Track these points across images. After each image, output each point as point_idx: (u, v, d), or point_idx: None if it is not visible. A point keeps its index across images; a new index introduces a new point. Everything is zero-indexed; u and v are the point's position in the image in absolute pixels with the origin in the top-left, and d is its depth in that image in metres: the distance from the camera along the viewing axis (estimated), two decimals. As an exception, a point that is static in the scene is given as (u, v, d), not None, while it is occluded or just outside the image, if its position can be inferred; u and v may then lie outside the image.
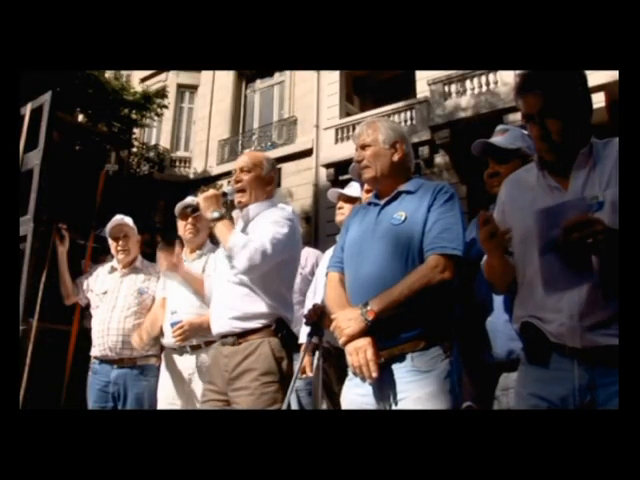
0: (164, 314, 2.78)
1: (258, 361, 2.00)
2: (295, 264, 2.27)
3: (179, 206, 2.89)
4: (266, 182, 2.26)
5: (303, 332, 2.71)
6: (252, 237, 2.05)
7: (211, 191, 2.19)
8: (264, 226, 2.09)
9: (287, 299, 2.17)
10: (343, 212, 2.70)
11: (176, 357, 2.65)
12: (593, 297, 1.31)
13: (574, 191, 1.40)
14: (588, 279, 1.30)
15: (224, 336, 2.11)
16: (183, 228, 2.86)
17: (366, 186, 2.31)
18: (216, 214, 2.09)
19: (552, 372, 1.38)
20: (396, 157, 1.85)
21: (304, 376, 2.57)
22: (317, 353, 2.16)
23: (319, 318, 2.11)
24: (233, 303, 2.09)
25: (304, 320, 2.30)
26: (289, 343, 2.09)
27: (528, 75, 1.49)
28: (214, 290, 2.25)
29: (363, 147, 1.86)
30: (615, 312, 1.28)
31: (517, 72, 1.53)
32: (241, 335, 2.06)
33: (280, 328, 2.06)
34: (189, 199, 2.97)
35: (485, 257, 1.56)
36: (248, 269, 2.00)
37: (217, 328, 2.14)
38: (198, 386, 2.54)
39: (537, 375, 1.42)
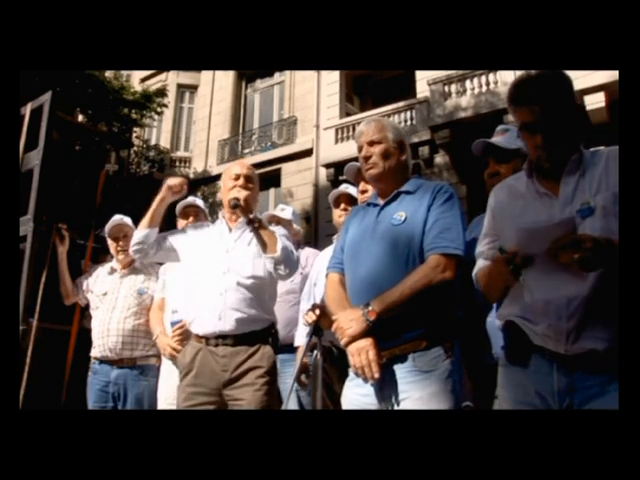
0: (162, 315, 2.79)
1: (263, 359, 2.08)
2: None
3: (180, 205, 2.89)
4: (257, 197, 2.41)
5: (299, 334, 2.71)
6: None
7: (247, 192, 2.19)
8: (282, 239, 2.18)
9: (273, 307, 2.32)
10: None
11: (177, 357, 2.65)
12: (581, 300, 1.32)
13: (565, 197, 1.40)
14: (573, 288, 1.31)
15: (223, 337, 2.10)
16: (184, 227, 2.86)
17: (361, 187, 2.30)
18: (259, 216, 2.18)
19: (532, 375, 1.39)
20: (403, 157, 1.87)
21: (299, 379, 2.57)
22: (316, 353, 2.15)
23: (318, 317, 2.11)
24: (240, 306, 2.12)
25: (302, 321, 2.31)
26: (276, 347, 2.22)
27: (521, 86, 1.48)
28: (206, 290, 2.20)
29: (371, 144, 1.84)
30: (603, 314, 1.29)
31: (513, 77, 1.51)
32: (243, 336, 2.09)
33: (275, 332, 2.21)
34: (190, 199, 2.97)
35: (482, 269, 1.54)
36: (293, 273, 2.16)
37: (214, 328, 2.12)
38: None
39: (517, 378, 1.42)
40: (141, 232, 2.27)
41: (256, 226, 2.13)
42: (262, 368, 2.07)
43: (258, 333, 2.12)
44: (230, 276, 2.15)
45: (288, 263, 2.09)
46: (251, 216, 2.13)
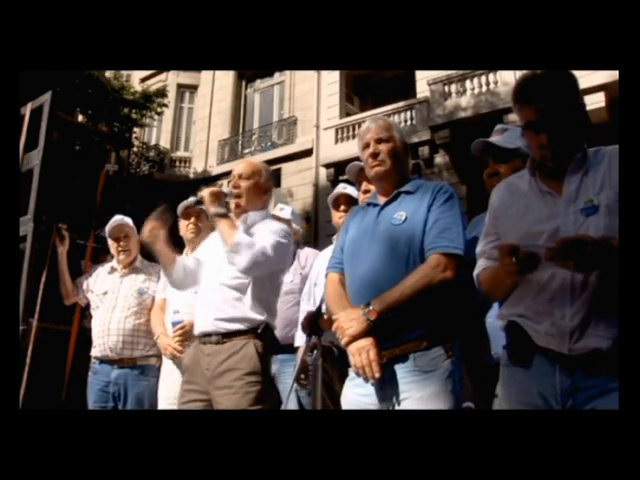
0: (163, 316, 2.79)
1: (243, 361, 2.01)
2: (283, 276, 2.34)
3: (181, 206, 2.89)
4: (263, 190, 2.31)
5: (299, 336, 2.70)
6: (256, 239, 2.07)
7: (216, 188, 2.20)
8: (266, 233, 2.12)
9: (272, 304, 2.21)
10: None
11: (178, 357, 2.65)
12: (585, 298, 1.32)
13: (568, 195, 1.40)
14: (577, 289, 1.32)
15: (207, 335, 2.11)
16: (185, 228, 2.87)
17: (364, 187, 2.29)
18: (221, 210, 2.12)
19: (534, 375, 1.38)
20: (408, 157, 1.89)
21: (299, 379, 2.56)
22: (316, 352, 2.15)
23: (316, 318, 2.11)
24: (222, 305, 2.10)
25: (300, 327, 2.29)
26: (272, 346, 2.13)
27: (526, 85, 1.47)
28: (201, 290, 2.24)
29: (378, 141, 1.84)
30: (606, 313, 1.29)
31: (513, 77, 1.51)
32: (226, 335, 2.07)
33: (265, 332, 2.10)
34: (192, 199, 2.97)
35: (485, 269, 1.54)
36: (249, 269, 2.02)
37: (201, 327, 2.14)
38: None
39: (519, 379, 1.42)
40: (166, 277, 2.30)
41: (214, 220, 2.12)
42: (240, 370, 2.00)
43: (243, 332, 2.06)
44: (218, 276, 2.16)
45: (241, 255, 2.00)
46: (212, 210, 2.11)
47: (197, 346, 2.15)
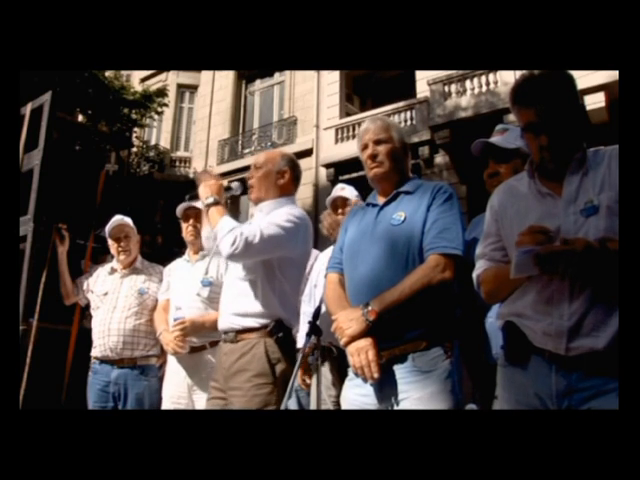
0: (166, 315, 2.79)
1: (252, 362, 1.97)
2: (301, 265, 2.19)
3: (180, 208, 2.89)
4: (277, 177, 2.18)
5: (300, 335, 2.70)
6: (247, 225, 2.02)
7: (212, 180, 2.14)
8: (267, 218, 2.05)
9: (291, 300, 2.10)
10: None
11: (182, 356, 2.64)
12: (583, 298, 1.32)
13: (568, 196, 1.40)
14: (576, 288, 1.33)
15: (225, 332, 2.11)
16: (185, 230, 2.87)
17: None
18: (210, 199, 2.05)
19: (531, 376, 1.39)
20: (407, 158, 1.88)
21: (302, 380, 2.55)
22: (316, 353, 2.15)
23: (315, 319, 2.10)
24: (235, 299, 2.09)
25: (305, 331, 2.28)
26: (286, 345, 2.01)
27: (524, 86, 1.47)
28: (224, 287, 2.26)
29: (377, 142, 1.83)
30: (604, 314, 1.29)
31: (513, 77, 1.51)
32: (239, 332, 2.05)
33: (277, 329, 2.00)
34: (187, 197, 2.97)
35: (486, 270, 1.53)
36: (230, 255, 1.95)
37: (220, 324, 2.15)
38: (200, 386, 2.55)
39: (516, 379, 1.42)
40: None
41: (205, 211, 2.10)
42: (249, 371, 1.96)
43: (255, 330, 2.01)
44: (233, 270, 2.16)
45: (222, 241, 1.94)
46: (203, 202, 2.08)
47: (220, 344, 2.16)
